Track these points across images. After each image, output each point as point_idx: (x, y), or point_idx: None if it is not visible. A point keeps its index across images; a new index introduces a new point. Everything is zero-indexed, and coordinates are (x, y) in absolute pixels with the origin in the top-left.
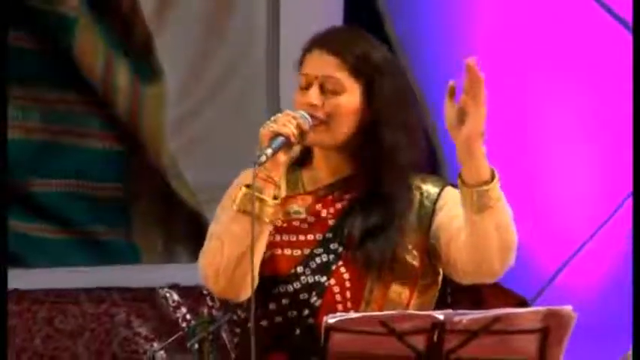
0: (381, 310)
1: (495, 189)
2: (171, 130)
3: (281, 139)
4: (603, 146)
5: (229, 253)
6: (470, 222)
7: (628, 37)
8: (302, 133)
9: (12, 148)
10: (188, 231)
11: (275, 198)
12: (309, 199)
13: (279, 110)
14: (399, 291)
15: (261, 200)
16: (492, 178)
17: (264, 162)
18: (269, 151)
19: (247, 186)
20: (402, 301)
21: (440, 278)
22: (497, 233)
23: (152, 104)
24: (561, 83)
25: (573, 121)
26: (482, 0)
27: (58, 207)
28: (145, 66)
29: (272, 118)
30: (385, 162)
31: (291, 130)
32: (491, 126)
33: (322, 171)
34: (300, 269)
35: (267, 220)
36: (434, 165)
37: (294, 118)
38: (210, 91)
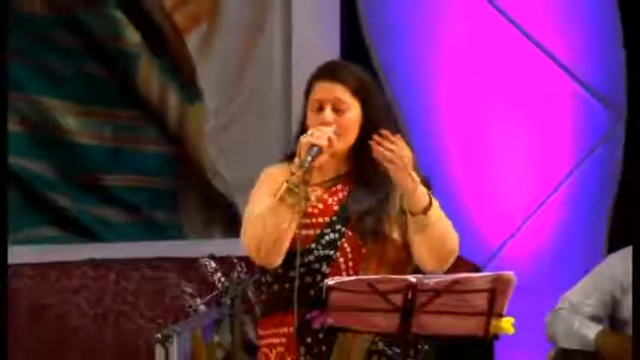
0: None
1: (432, 214)
2: (209, 139)
3: (316, 149)
4: (542, 144)
5: (270, 231)
6: (413, 241)
7: (554, 67)
8: (330, 145)
9: (89, 152)
10: (222, 215)
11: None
12: (317, 190)
13: (290, 124)
14: (397, 256)
15: (298, 195)
16: (430, 204)
17: (309, 168)
18: (309, 158)
19: (287, 181)
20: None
21: None
22: (431, 252)
23: (194, 119)
24: (505, 103)
25: (518, 124)
26: (444, 40)
27: (124, 196)
28: (190, 90)
29: (309, 132)
30: (376, 159)
31: (324, 142)
32: (453, 128)
33: (326, 169)
34: (313, 245)
35: (299, 210)
36: None
37: (325, 133)
38: (239, 109)
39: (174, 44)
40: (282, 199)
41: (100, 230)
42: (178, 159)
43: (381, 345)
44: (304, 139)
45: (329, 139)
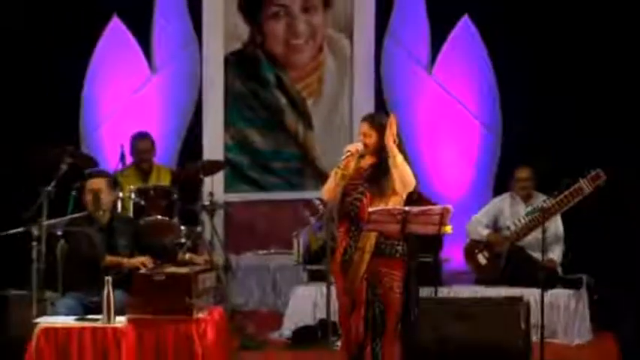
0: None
1: (398, 159)
2: (316, 146)
3: (347, 153)
4: (466, 150)
5: (333, 187)
6: (393, 172)
7: (469, 116)
8: (356, 151)
9: (265, 153)
10: (323, 179)
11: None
12: (357, 169)
13: (352, 140)
14: (393, 200)
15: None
16: (397, 156)
17: (341, 161)
18: (342, 158)
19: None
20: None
21: (404, 195)
22: (399, 178)
23: (310, 138)
24: (448, 133)
25: (457, 142)
26: (418, 100)
27: (279, 171)
28: (308, 125)
29: (348, 146)
30: (383, 159)
31: (353, 150)
32: (426, 144)
33: (364, 162)
34: (354, 193)
35: (344, 178)
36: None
37: (353, 146)
38: (330, 135)
39: (301, 104)
40: (335, 174)
41: (269, 187)
42: (303, 155)
43: (382, 239)
44: (345, 149)
45: (356, 149)
